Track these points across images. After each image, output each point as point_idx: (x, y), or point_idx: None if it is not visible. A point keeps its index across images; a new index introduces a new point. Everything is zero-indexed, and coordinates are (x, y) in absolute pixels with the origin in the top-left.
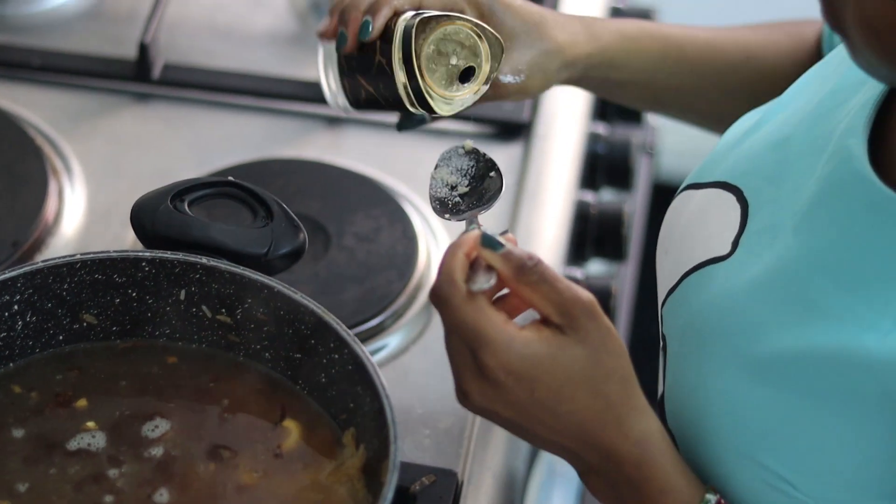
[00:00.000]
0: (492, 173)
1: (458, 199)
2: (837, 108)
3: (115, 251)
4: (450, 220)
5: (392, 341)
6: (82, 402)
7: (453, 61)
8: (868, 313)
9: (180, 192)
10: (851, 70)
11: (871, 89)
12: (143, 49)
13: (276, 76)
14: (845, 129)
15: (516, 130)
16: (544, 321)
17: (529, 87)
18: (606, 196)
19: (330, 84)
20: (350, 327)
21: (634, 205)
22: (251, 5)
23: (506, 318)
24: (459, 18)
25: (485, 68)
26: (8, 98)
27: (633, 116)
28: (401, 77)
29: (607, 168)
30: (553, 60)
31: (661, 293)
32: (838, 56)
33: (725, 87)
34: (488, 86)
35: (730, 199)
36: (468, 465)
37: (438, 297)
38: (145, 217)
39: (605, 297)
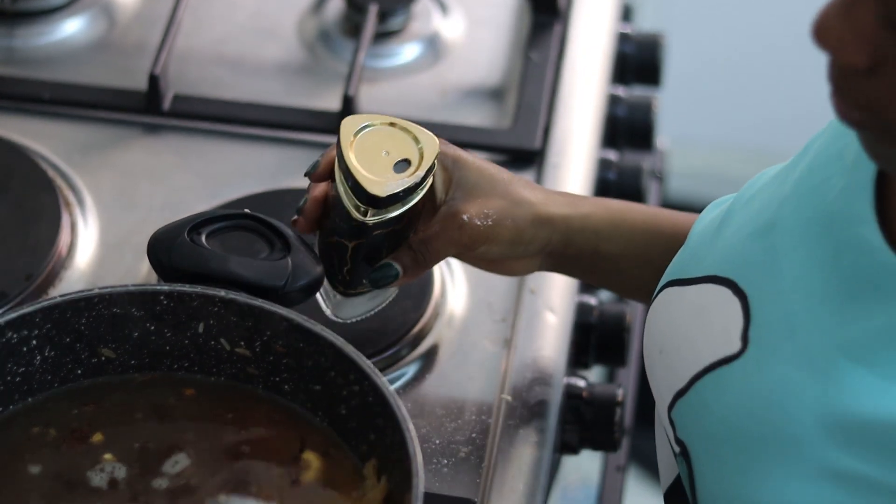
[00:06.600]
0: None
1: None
2: (819, 186)
3: (133, 285)
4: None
5: (408, 371)
6: (98, 437)
7: (383, 153)
8: None
9: (197, 224)
10: (827, 147)
11: (856, 169)
12: (153, 80)
13: (287, 106)
14: (849, 217)
15: (528, 158)
16: None
17: (498, 235)
18: None
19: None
20: (366, 357)
21: None
22: (260, 36)
23: None
24: (383, 120)
25: (423, 160)
26: (18, 131)
27: (643, 142)
28: (341, 183)
29: (619, 194)
30: (523, 210)
31: (665, 395)
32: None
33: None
34: (429, 178)
35: (725, 292)
36: (487, 494)
37: None
38: (162, 250)
39: (619, 321)
